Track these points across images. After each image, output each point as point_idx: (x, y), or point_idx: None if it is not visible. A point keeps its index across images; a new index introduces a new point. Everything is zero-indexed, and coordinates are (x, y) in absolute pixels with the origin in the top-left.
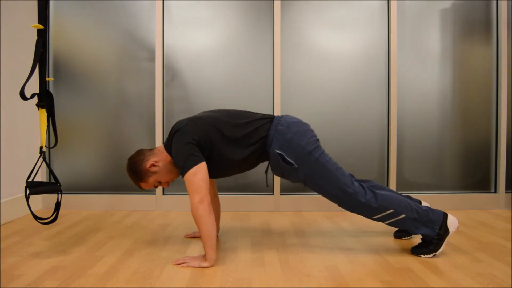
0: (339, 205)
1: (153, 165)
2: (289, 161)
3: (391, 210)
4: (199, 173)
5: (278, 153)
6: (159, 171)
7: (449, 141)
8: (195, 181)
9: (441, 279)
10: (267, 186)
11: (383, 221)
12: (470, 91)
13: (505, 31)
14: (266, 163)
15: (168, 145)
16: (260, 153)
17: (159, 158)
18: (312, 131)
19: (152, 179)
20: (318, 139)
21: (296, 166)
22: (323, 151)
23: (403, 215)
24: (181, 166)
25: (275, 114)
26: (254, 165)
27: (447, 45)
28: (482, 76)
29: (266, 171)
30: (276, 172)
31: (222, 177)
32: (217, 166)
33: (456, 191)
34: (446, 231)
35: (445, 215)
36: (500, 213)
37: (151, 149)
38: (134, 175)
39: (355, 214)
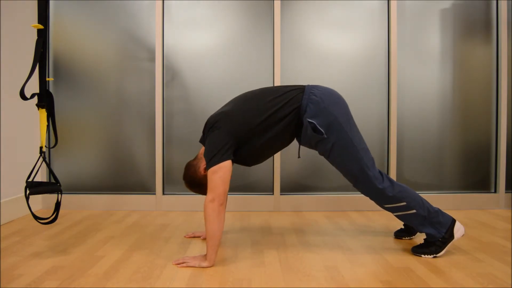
0: (355, 185)
1: (205, 168)
2: (319, 130)
3: (404, 203)
4: (219, 171)
5: (309, 121)
6: None
7: (449, 141)
8: (213, 179)
9: (441, 279)
10: (299, 157)
11: (392, 212)
12: (470, 91)
13: (505, 31)
14: None
15: (204, 142)
16: (295, 124)
17: None
18: (346, 103)
19: None
20: (351, 114)
21: (325, 136)
22: (355, 127)
23: (414, 211)
24: (206, 162)
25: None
26: (292, 138)
27: (447, 45)
28: (482, 76)
29: (300, 142)
30: (304, 141)
31: (264, 160)
32: (256, 152)
33: (456, 191)
34: (451, 236)
35: (453, 221)
36: (500, 213)
37: (195, 158)
38: (198, 187)
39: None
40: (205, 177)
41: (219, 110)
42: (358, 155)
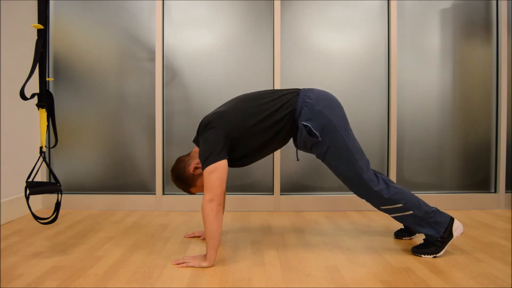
0: (351, 187)
1: (195, 167)
2: (314, 133)
3: (400, 205)
4: (216, 171)
5: (304, 124)
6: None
7: (449, 141)
8: (210, 179)
9: (441, 279)
10: (298, 160)
11: (389, 213)
12: (470, 91)
13: (505, 31)
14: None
15: (197, 142)
16: (290, 127)
17: (198, 159)
18: (341, 106)
19: (200, 182)
20: (346, 117)
21: (320, 139)
22: (350, 130)
23: (411, 212)
24: (202, 162)
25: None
26: (286, 141)
27: (447, 45)
28: (482, 76)
29: (296, 145)
30: (300, 144)
31: (258, 160)
32: (250, 154)
33: (456, 191)
34: (450, 235)
35: (451, 219)
36: (500, 213)
37: (188, 154)
38: (182, 183)
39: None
40: (192, 176)
41: (214, 110)
42: (353, 158)
